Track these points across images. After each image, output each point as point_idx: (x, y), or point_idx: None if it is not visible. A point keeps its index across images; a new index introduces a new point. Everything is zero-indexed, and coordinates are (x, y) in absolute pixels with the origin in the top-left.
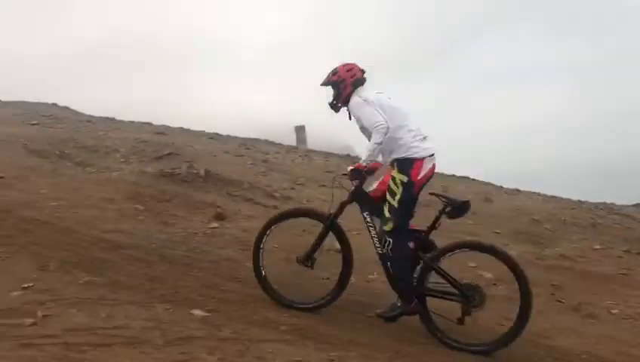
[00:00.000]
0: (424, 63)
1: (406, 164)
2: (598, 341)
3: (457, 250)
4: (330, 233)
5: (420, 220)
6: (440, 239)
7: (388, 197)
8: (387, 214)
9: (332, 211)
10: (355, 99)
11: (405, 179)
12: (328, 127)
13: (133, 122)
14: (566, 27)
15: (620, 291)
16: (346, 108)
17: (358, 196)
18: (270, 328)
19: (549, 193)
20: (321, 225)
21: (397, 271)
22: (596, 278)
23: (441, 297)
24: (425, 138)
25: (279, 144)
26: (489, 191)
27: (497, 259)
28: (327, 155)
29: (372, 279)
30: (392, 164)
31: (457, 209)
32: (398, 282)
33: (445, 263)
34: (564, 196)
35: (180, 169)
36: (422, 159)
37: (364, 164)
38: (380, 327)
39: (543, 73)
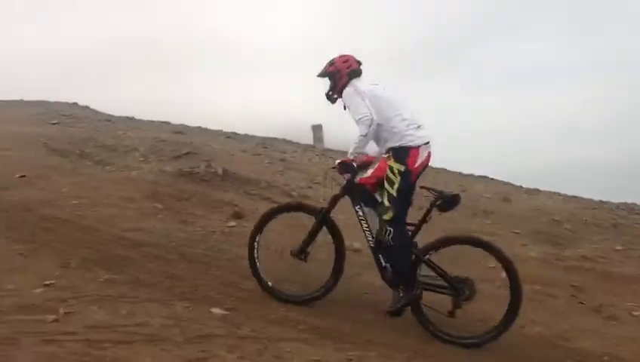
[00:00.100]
0: (438, 62)
1: (402, 153)
2: (619, 342)
3: (451, 245)
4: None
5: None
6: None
7: (387, 186)
8: (387, 203)
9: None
10: (347, 90)
11: (402, 168)
12: (345, 126)
13: (152, 121)
14: (589, 25)
15: None
16: (341, 99)
17: (350, 189)
18: (288, 327)
19: (570, 193)
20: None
21: (399, 258)
22: (617, 279)
23: (431, 290)
24: (419, 126)
25: (296, 143)
26: (508, 191)
27: (491, 254)
28: (344, 154)
29: None
30: (387, 153)
31: (448, 202)
32: (399, 270)
33: (437, 257)
34: (586, 196)
35: (198, 168)
36: (417, 147)
37: (352, 157)
38: (399, 327)
39: (564, 72)
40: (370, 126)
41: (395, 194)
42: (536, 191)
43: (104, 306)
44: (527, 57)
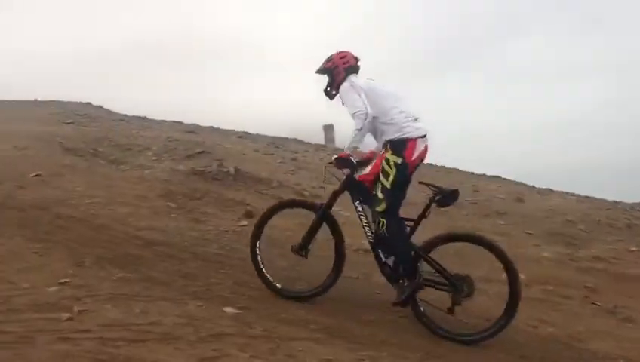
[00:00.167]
0: (460, 62)
1: (399, 145)
2: (634, 345)
3: (451, 242)
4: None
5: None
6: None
7: (381, 178)
8: (380, 195)
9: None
10: (344, 85)
11: (399, 160)
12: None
13: (164, 121)
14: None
15: None
16: (339, 95)
17: (350, 185)
18: (300, 326)
19: (583, 193)
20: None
21: (396, 248)
22: (632, 281)
23: (431, 286)
24: (416, 119)
25: (308, 143)
26: (521, 191)
27: (491, 253)
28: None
29: None
30: (385, 145)
31: (447, 197)
32: (400, 260)
33: (437, 254)
34: (599, 196)
35: (210, 167)
36: (414, 139)
37: (349, 152)
38: (410, 327)
39: (581, 72)
40: (364, 120)
41: (389, 186)
42: (549, 191)
43: (118, 305)
44: (545, 56)
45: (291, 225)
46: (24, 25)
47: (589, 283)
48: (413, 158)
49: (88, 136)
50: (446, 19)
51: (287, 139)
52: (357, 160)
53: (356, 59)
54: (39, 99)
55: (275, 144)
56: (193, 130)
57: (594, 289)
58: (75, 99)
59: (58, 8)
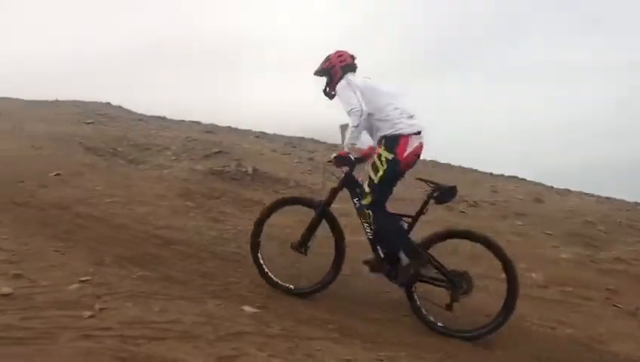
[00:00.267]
0: (460, 62)
1: (392, 141)
2: None
3: (449, 239)
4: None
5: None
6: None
7: (370, 171)
8: (367, 189)
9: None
10: (340, 83)
11: (391, 156)
12: None
13: (183, 121)
14: (609, 24)
15: None
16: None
17: (348, 183)
18: (317, 326)
19: (603, 194)
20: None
21: (388, 234)
22: None
23: (429, 282)
24: (411, 116)
25: (324, 142)
26: (539, 192)
27: (489, 250)
28: None
29: None
30: (379, 141)
31: (445, 194)
32: (399, 246)
33: (436, 251)
34: (619, 197)
35: (229, 167)
36: (407, 136)
37: (347, 149)
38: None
39: (581, 72)
40: (360, 117)
41: (376, 181)
42: (567, 191)
43: (138, 303)
44: (545, 56)
45: (291, 222)
46: (45, 26)
47: (610, 285)
48: (405, 155)
49: (108, 136)
50: (446, 19)
51: (303, 138)
52: (355, 156)
53: (353, 58)
54: (59, 99)
55: (292, 144)
56: (211, 130)
57: (615, 291)
58: (96, 99)
59: (73, 11)
